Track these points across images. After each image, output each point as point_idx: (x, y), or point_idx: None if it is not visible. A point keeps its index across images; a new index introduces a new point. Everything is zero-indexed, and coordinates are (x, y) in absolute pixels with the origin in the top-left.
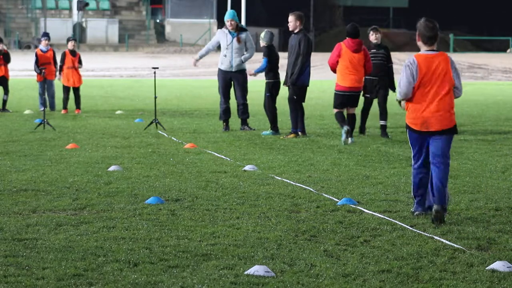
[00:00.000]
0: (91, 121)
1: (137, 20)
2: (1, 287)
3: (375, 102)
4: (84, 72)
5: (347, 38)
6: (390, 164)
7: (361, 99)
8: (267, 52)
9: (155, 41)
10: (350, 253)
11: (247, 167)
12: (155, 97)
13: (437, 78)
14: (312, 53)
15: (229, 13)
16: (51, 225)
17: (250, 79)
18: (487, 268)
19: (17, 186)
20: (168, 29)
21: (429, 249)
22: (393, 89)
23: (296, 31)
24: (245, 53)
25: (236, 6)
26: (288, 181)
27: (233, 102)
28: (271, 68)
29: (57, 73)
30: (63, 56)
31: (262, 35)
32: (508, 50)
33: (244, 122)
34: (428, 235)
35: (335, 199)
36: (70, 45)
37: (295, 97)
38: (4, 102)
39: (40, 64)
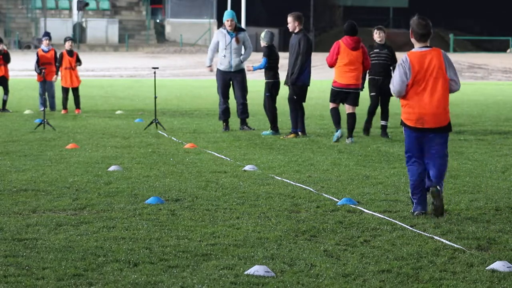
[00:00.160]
0: (91, 121)
1: (137, 20)
2: (1, 287)
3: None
4: (84, 72)
5: (344, 36)
6: (390, 164)
7: (367, 99)
8: (267, 52)
9: (155, 41)
10: (350, 253)
11: (247, 167)
12: (155, 97)
13: (430, 75)
14: (312, 53)
15: (228, 13)
16: (51, 225)
17: (249, 78)
18: (487, 268)
19: (17, 186)
20: (168, 29)
21: (429, 249)
22: None
23: (296, 31)
24: (243, 53)
25: (236, 6)
26: (288, 181)
27: (232, 102)
28: (271, 68)
29: (55, 74)
30: (61, 57)
31: (263, 35)
32: (508, 50)
33: (243, 122)
34: (428, 235)
35: (335, 199)
36: (68, 45)
37: (295, 97)
38: (4, 102)
39: (41, 64)
